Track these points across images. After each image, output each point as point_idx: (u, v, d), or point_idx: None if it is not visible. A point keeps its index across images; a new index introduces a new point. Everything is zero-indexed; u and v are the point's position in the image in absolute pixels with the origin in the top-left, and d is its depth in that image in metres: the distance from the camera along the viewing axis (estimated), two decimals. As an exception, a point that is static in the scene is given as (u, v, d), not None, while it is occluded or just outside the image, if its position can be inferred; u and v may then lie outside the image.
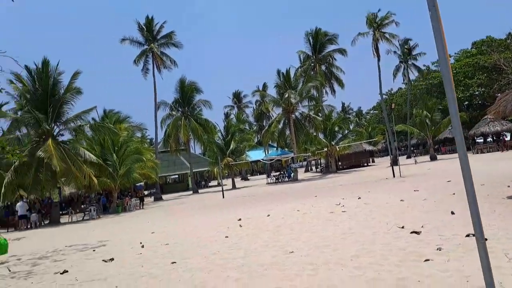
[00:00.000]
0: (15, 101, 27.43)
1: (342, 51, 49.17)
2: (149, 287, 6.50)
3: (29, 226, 23.73)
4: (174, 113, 43.53)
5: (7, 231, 23.74)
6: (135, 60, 40.96)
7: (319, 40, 48.93)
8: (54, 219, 25.48)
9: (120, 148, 29.21)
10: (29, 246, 12.91)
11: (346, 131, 45.20)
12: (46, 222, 26.13)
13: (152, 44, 40.81)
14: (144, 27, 41.40)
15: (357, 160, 48.12)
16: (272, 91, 47.97)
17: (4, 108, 29.03)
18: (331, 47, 49.66)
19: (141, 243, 11.31)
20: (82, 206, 31.65)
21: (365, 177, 28.70)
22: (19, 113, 26.25)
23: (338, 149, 40.49)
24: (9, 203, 27.47)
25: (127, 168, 28.11)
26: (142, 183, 41.20)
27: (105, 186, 27.91)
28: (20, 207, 23.84)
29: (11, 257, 11.76)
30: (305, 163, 66.78)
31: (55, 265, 9.48)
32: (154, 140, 46.32)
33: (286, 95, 39.48)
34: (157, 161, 37.24)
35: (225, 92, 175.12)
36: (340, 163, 47.21)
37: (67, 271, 8.50)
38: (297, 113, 42.53)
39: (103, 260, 9.33)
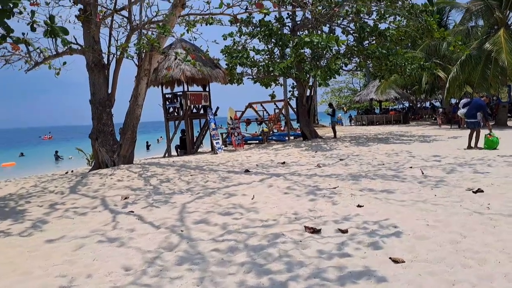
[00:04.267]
0: None
1: None
2: None
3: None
4: None
5: (451, 128, 23.71)
6: None
7: None
8: (501, 121, 22.80)
9: None
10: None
11: None
12: (491, 123, 23.82)
13: None
14: None
15: None
16: None
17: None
18: None
19: None
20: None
21: None
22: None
23: None
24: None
25: None
26: None
27: None
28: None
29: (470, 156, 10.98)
30: None
31: (472, 179, 7.66)
32: None
33: None
34: None
35: None
36: None
37: (481, 191, 6.55)
38: None
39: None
